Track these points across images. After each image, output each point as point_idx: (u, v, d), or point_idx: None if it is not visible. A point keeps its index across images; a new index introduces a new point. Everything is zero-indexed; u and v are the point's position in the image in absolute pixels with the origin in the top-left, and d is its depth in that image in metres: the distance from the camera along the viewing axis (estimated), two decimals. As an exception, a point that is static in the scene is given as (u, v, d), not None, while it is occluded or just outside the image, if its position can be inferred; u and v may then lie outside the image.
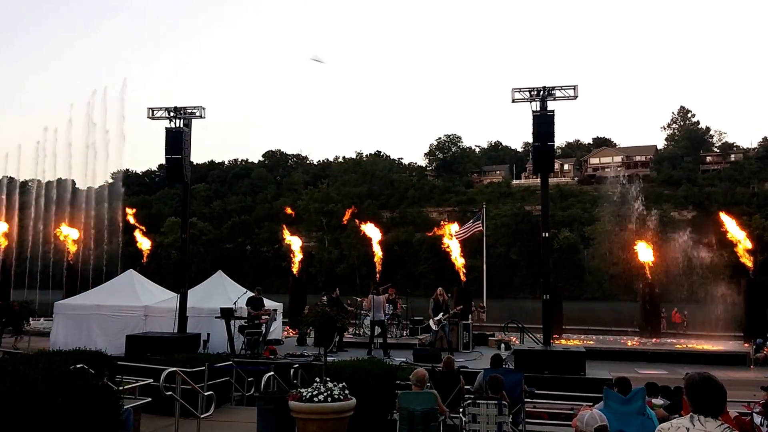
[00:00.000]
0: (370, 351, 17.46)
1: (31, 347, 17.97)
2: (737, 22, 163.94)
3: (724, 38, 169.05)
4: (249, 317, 17.63)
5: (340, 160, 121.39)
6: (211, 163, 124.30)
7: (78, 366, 7.01)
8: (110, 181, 51.19)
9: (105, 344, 14.01)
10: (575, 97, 16.01)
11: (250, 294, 18.71)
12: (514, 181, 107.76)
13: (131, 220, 33.08)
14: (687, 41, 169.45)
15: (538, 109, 15.81)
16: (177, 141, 17.87)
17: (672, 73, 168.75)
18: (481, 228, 33.20)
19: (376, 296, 18.63)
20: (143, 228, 31.84)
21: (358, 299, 23.55)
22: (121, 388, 7.71)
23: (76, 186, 44.20)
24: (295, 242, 27.97)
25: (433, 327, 18.29)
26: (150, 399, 9.25)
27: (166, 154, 18.05)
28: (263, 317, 17.87)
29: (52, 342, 18.47)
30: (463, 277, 24.90)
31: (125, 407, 7.33)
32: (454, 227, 29.87)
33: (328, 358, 9.66)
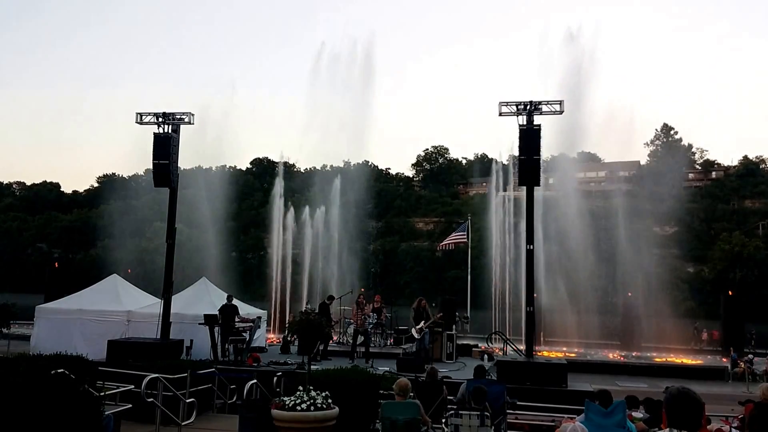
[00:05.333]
0: (352, 359, 17.54)
1: (11, 351, 17.73)
2: (720, 42, 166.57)
3: (707, 57, 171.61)
4: (227, 324, 17.41)
5: (328, 168, 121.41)
6: (198, 168, 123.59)
7: (59, 371, 6.95)
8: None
9: (86, 349, 13.81)
10: (561, 112, 16.20)
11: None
12: (500, 194, 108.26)
13: None
14: (670, 59, 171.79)
15: (525, 123, 15.97)
16: (165, 146, 17.81)
17: (655, 89, 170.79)
18: (465, 239, 33.33)
19: (357, 305, 18.95)
20: None
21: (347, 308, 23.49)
22: (102, 393, 7.67)
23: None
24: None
25: (416, 335, 18.33)
26: (131, 405, 9.16)
27: (153, 159, 17.97)
28: (246, 324, 17.76)
29: (33, 346, 18.25)
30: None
31: (106, 413, 7.29)
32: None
33: (311, 367, 9.65)
